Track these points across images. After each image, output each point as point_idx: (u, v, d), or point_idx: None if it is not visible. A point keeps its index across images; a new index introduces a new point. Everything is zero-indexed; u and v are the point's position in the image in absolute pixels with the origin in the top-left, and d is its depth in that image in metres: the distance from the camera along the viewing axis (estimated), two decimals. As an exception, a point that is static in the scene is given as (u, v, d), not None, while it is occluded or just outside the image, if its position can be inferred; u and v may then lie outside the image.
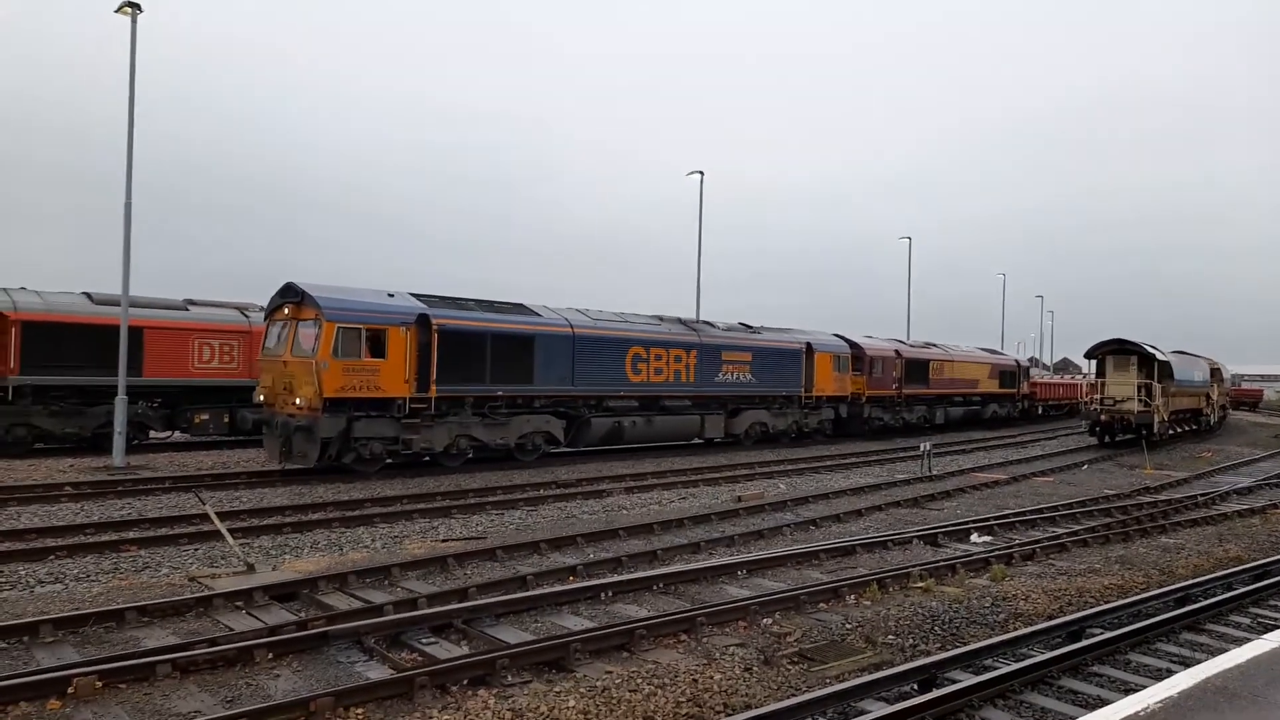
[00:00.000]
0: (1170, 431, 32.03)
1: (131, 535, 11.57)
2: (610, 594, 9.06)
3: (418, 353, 17.62)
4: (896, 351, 33.71)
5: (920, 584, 9.76)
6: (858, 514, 15.00)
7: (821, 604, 8.91)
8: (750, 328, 27.55)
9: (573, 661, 6.93)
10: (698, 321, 25.84)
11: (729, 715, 5.88)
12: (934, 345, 38.03)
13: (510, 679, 6.55)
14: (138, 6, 18.54)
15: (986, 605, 8.94)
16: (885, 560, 11.30)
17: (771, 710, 5.54)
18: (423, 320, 17.84)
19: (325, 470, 17.21)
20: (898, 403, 33.55)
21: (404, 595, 8.83)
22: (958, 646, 7.40)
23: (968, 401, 38.70)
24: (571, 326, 21.08)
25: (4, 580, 9.38)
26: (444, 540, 12.14)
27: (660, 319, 24.39)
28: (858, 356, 31.34)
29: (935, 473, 20.82)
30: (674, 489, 17.51)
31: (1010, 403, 42.27)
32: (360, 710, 5.90)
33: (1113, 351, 30.76)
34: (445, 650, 7.18)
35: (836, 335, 31.21)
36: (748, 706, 6.00)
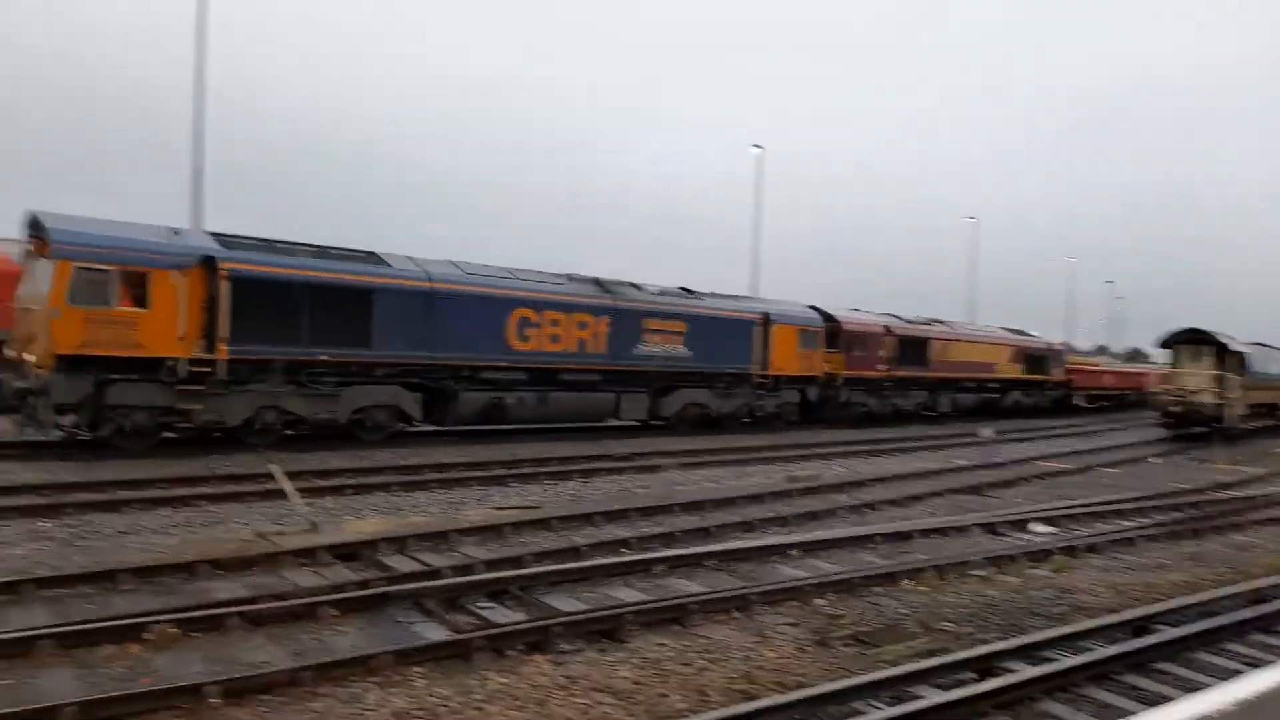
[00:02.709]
0: (1247, 426, 30.84)
1: (203, 491, 12.00)
2: (664, 568, 9.11)
3: (204, 304, 14.80)
4: (886, 328, 29.23)
5: (979, 573, 9.59)
6: (915, 499, 14.78)
7: (876, 588, 8.82)
8: (691, 293, 23.59)
9: (625, 632, 6.99)
10: (618, 282, 21.85)
11: (783, 693, 5.87)
12: (939, 322, 33.45)
13: (564, 646, 6.64)
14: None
15: (1047, 597, 8.75)
16: (942, 547, 11.12)
17: (828, 690, 5.53)
18: (209, 263, 14.83)
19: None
20: (887, 386, 29.28)
21: (461, 560, 8.99)
22: (1017, 637, 7.26)
23: (982, 388, 34.00)
24: (430, 280, 17.64)
25: (87, 529, 9.84)
26: (499, 508, 12.33)
27: (569, 278, 20.85)
28: (833, 332, 26.96)
29: (997, 460, 20.39)
30: (728, 466, 17.49)
31: (1039, 391, 37.21)
32: (419, 669, 6.04)
33: (1187, 341, 29.68)
34: (501, 615, 7.31)
35: (811, 307, 27.25)
36: (801, 686, 5.97)
